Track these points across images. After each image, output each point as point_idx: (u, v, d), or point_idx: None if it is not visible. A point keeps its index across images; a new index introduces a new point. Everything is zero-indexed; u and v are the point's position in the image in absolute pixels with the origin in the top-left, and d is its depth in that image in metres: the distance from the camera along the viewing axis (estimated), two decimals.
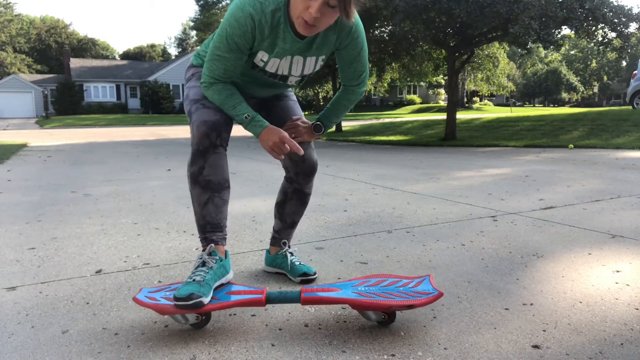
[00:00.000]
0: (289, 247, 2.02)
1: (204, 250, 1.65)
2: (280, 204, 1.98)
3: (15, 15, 52.81)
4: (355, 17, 1.65)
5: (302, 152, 1.67)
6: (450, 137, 10.31)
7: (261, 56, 1.63)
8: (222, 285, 1.63)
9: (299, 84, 1.83)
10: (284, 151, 1.67)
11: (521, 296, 1.76)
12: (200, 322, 1.53)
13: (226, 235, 1.72)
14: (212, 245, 1.65)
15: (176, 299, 1.45)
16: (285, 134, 1.66)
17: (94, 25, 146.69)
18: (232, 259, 2.26)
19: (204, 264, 1.61)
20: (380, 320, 1.53)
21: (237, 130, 12.35)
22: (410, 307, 1.47)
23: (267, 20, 1.54)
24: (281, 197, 1.98)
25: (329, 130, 14.37)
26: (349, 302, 1.50)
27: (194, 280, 1.53)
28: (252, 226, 2.91)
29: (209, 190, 1.66)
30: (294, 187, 1.93)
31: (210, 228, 1.67)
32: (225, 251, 1.69)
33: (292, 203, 1.95)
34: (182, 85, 38.61)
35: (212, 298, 1.53)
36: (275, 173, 5.40)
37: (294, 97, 1.99)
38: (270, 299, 1.55)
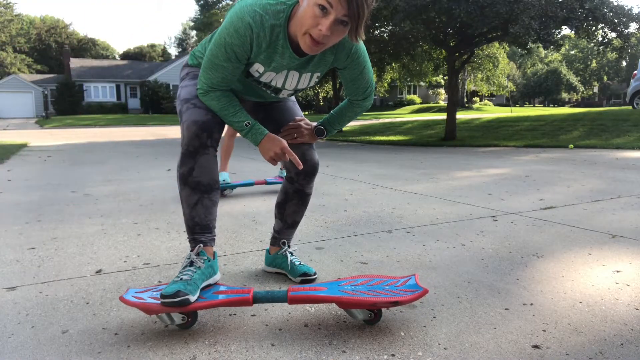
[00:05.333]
0: (289, 247, 2.02)
1: (192, 251, 1.66)
2: (281, 204, 1.98)
3: (15, 15, 52.78)
4: None
5: (301, 166, 1.68)
6: (450, 137, 10.31)
7: (257, 67, 1.62)
8: (209, 285, 1.64)
9: (290, 96, 1.82)
10: (283, 160, 1.68)
11: (521, 296, 1.76)
12: (186, 323, 1.52)
13: (215, 236, 1.71)
14: (201, 245, 1.65)
15: (162, 296, 1.45)
16: (286, 145, 1.67)
17: (94, 25, 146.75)
18: (232, 259, 2.26)
19: (191, 263, 1.61)
20: (367, 318, 1.54)
21: None
22: (396, 303, 1.48)
23: (265, 34, 1.51)
24: (282, 197, 1.98)
25: None
26: (335, 300, 1.51)
27: (181, 279, 1.54)
28: (252, 226, 2.91)
29: (198, 192, 1.65)
30: (294, 187, 1.93)
31: (199, 229, 1.67)
32: (214, 252, 1.70)
33: (292, 203, 1.95)
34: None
35: (198, 297, 1.54)
36: (275, 173, 5.40)
37: (293, 98, 1.97)
38: (257, 299, 1.55)
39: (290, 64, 1.61)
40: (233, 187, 3.99)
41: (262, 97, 1.79)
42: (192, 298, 1.48)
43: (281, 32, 1.52)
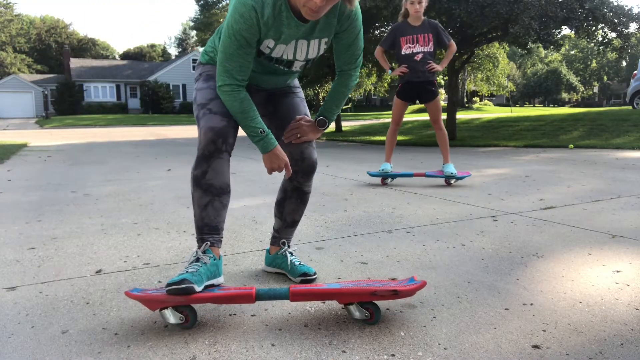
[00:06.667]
0: (289, 247, 2.03)
1: (198, 248, 1.69)
2: (280, 202, 2.00)
3: (15, 15, 52.77)
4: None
5: (289, 174, 1.80)
6: (450, 137, 10.28)
7: (267, 44, 1.66)
8: (212, 286, 1.66)
9: (303, 69, 1.85)
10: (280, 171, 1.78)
11: (521, 296, 1.76)
12: (184, 323, 1.53)
13: (222, 238, 1.75)
14: (208, 243, 1.69)
15: (168, 284, 1.49)
16: (287, 162, 1.75)
17: (94, 25, 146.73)
18: (232, 259, 2.26)
19: (197, 259, 1.65)
20: (363, 318, 1.55)
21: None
22: (395, 292, 1.50)
23: (269, 11, 1.56)
24: (281, 195, 2.00)
25: (328, 130, 14.23)
26: (336, 292, 1.53)
27: (187, 271, 1.57)
28: (252, 226, 2.91)
29: (209, 194, 1.70)
30: (293, 185, 1.95)
31: (208, 230, 1.71)
32: (220, 254, 1.72)
33: (291, 201, 1.97)
34: (182, 85, 38.60)
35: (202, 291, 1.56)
36: (274, 173, 5.40)
37: (302, 94, 2.00)
38: (260, 295, 1.56)
39: (297, 33, 1.65)
40: (393, 176, 4.51)
41: (276, 73, 1.80)
42: (197, 288, 1.51)
43: (282, 4, 1.58)
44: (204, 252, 1.67)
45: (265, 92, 1.92)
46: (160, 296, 1.49)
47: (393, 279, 1.70)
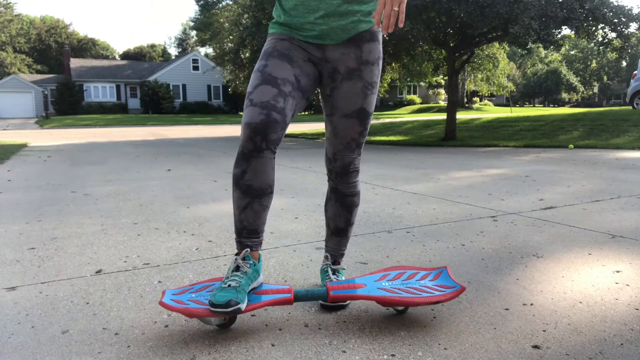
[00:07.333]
0: (333, 262, 1.87)
1: (238, 254, 1.61)
2: (325, 203, 1.89)
3: (15, 15, 52.77)
4: None
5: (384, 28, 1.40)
6: (450, 137, 10.31)
7: None
8: (252, 289, 1.61)
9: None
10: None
11: (521, 296, 1.76)
12: (226, 323, 1.54)
13: (262, 240, 1.66)
14: (248, 250, 1.61)
15: (214, 305, 1.42)
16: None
17: (94, 25, 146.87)
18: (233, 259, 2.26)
19: (238, 268, 1.57)
20: (397, 311, 1.62)
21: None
22: (437, 303, 1.53)
23: None
24: (326, 196, 1.88)
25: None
26: (378, 299, 1.54)
27: (229, 285, 1.50)
28: None
29: (249, 196, 1.58)
30: (330, 184, 1.84)
31: (247, 233, 1.62)
32: (259, 255, 1.65)
33: (331, 204, 1.85)
34: (182, 85, 38.61)
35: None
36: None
37: (375, 73, 1.69)
38: (298, 297, 1.56)
39: None
40: None
41: None
42: (243, 306, 1.46)
43: None
44: (243, 258, 1.59)
45: (329, 63, 1.67)
46: (202, 311, 1.46)
47: (420, 267, 1.72)
